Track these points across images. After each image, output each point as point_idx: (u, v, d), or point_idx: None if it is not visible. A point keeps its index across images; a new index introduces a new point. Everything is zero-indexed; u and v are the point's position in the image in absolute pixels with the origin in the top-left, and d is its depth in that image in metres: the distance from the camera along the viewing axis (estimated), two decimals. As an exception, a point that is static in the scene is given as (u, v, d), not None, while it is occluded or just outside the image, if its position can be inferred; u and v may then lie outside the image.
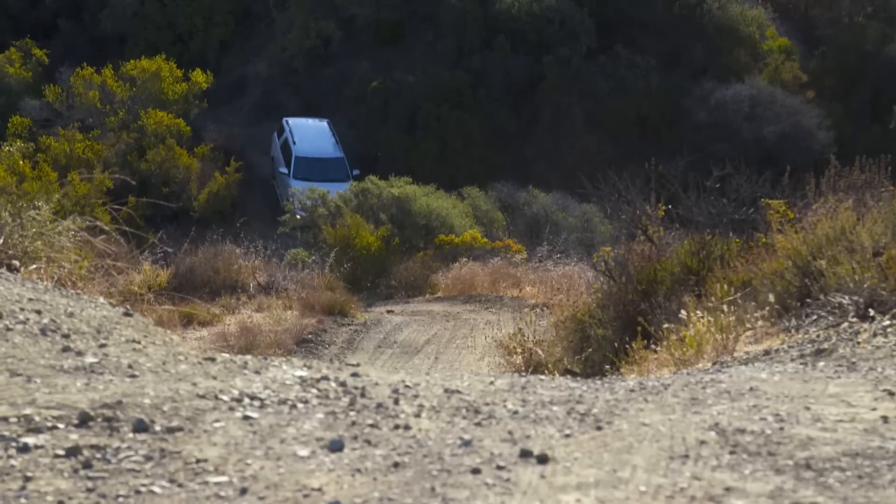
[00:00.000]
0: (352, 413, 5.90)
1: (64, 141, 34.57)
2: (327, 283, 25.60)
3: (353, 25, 45.54)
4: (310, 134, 37.86)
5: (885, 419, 6.03)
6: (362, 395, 6.28)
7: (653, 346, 12.30)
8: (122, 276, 17.90)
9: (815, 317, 10.48)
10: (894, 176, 13.33)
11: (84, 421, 5.41)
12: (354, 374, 6.89)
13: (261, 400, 6.01)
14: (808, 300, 11.01)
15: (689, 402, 6.50)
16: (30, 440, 5.12)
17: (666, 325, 11.92)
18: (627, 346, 12.88)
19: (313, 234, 31.88)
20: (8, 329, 7.23)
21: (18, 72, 40.79)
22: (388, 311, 25.48)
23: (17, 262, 10.32)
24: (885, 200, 12.48)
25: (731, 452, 5.33)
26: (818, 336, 9.76)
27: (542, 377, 8.22)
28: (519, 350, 16.67)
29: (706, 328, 10.92)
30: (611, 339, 14.30)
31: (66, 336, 7.38)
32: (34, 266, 10.47)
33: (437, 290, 28.22)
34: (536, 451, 5.22)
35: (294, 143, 37.27)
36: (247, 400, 5.99)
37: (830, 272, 10.78)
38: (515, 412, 6.12)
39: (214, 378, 6.51)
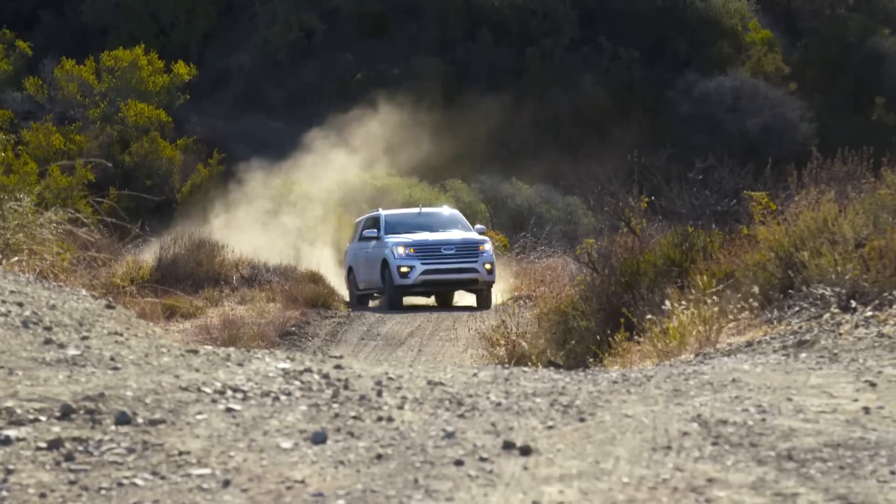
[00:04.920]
0: (335, 405, 5.91)
1: (39, 133, 34.43)
2: (310, 275, 25.60)
3: (337, 17, 45.50)
4: None
5: (866, 410, 6.06)
6: (345, 388, 6.28)
7: (636, 338, 12.32)
8: (105, 268, 17.86)
9: (797, 308, 10.51)
10: (876, 168, 13.36)
11: (66, 413, 5.40)
12: (337, 367, 6.89)
13: (244, 392, 6.00)
14: (790, 292, 11.04)
15: (672, 394, 6.52)
16: (11, 433, 5.11)
17: (649, 317, 11.94)
18: (610, 337, 12.90)
19: (296, 225, 31.88)
20: (-11, 322, 7.21)
21: (0, 64, 40.64)
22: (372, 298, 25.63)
23: (-2, 255, 10.30)
24: (866, 192, 12.52)
25: (714, 444, 5.35)
26: (800, 327, 9.79)
27: (526, 369, 8.24)
28: (502, 342, 16.67)
29: (689, 320, 10.94)
30: (594, 330, 14.30)
31: (48, 328, 7.37)
32: (16, 258, 10.44)
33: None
34: (519, 443, 5.23)
35: None
36: (230, 392, 5.98)
37: (813, 264, 10.82)
38: (498, 404, 6.13)
39: (197, 370, 6.50)
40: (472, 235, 24.79)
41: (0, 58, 40.96)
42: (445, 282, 24.35)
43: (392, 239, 24.21)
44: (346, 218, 32.06)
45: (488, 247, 24.50)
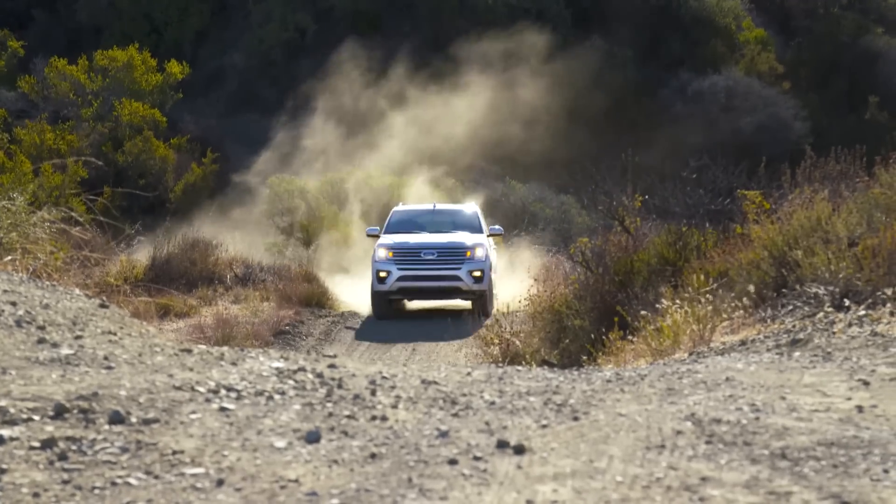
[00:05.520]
0: (329, 404, 5.91)
1: (33, 132, 34.40)
2: (305, 274, 25.58)
3: (331, 17, 45.50)
4: None
5: (859, 409, 6.07)
6: (339, 387, 6.28)
7: (630, 337, 12.33)
8: (98, 267, 17.85)
9: (790, 307, 10.52)
10: (869, 166, 13.39)
11: (60, 413, 5.39)
12: (331, 366, 6.89)
13: (237, 391, 6.00)
14: (783, 290, 11.06)
15: (666, 393, 6.52)
16: (5, 432, 5.10)
17: (643, 315, 11.96)
18: (604, 336, 12.92)
19: (290, 224, 31.89)
20: (-17, 321, 7.20)
21: (-3, 63, 40.66)
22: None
23: (-9, 254, 10.29)
24: (860, 191, 12.54)
25: (707, 442, 5.35)
26: (794, 326, 9.80)
27: (520, 368, 8.24)
28: (496, 341, 16.67)
29: (683, 319, 10.95)
30: (588, 329, 14.32)
31: (41, 328, 7.36)
32: (9, 257, 10.43)
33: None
34: (513, 442, 5.23)
35: None
36: (223, 391, 5.98)
37: (806, 262, 10.84)
38: (492, 403, 6.13)
39: (191, 370, 6.50)
40: (461, 238, 22.52)
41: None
42: (425, 289, 22.28)
43: (382, 240, 22.65)
44: (340, 216, 32.09)
45: (480, 252, 22.16)
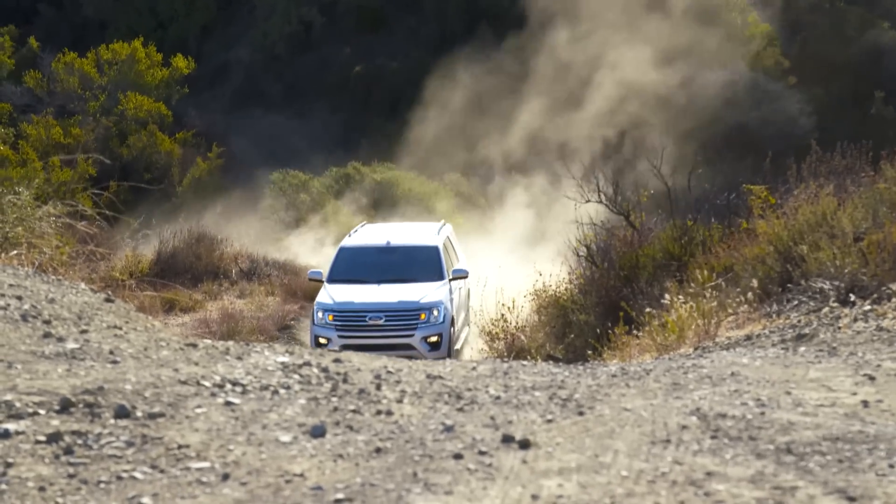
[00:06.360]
0: (334, 399, 5.91)
1: (40, 127, 34.42)
2: (309, 269, 25.60)
3: (335, 11, 45.51)
4: None
5: (865, 404, 6.06)
6: (344, 381, 6.29)
7: (635, 332, 12.33)
8: (104, 261, 17.87)
9: (796, 302, 10.52)
10: (875, 161, 13.38)
11: (65, 407, 5.40)
12: (336, 360, 6.90)
13: (243, 386, 6.01)
14: (789, 285, 11.05)
15: (671, 387, 6.52)
16: (11, 426, 5.11)
17: (648, 311, 11.96)
18: (610, 331, 12.92)
19: (296, 218, 31.91)
20: (-12, 315, 7.21)
21: (1, 59, 40.66)
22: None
23: (-3, 248, 10.31)
24: (865, 186, 12.53)
25: (713, 437, 5.35)
26: (799, 321, 9.79)
27: (525, 363, 8.25)
28: (501, 335, 16.69)
29: (688, 313, 10.95)
30: (593, 324, 14.33)
31: (47, 322, 7.37)
32: (15, 252, 10.44)
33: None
34: (518, 437, 5.23)
35: None
36: (229, 386, 5.99)
37: (811, 257, 10.83)
38: (497, 397, 6.13)
39: (196, 364, 6.51)
40: (415, 296, 18.53)
41: (9, 53, 40.92)
42: None
43: (321, 297, 18.91)
44: (341, 213, 32.10)
45: (438, 312, 18.29)
